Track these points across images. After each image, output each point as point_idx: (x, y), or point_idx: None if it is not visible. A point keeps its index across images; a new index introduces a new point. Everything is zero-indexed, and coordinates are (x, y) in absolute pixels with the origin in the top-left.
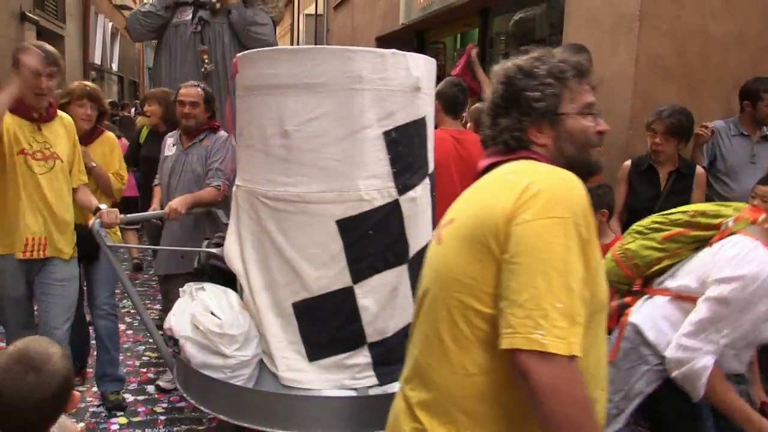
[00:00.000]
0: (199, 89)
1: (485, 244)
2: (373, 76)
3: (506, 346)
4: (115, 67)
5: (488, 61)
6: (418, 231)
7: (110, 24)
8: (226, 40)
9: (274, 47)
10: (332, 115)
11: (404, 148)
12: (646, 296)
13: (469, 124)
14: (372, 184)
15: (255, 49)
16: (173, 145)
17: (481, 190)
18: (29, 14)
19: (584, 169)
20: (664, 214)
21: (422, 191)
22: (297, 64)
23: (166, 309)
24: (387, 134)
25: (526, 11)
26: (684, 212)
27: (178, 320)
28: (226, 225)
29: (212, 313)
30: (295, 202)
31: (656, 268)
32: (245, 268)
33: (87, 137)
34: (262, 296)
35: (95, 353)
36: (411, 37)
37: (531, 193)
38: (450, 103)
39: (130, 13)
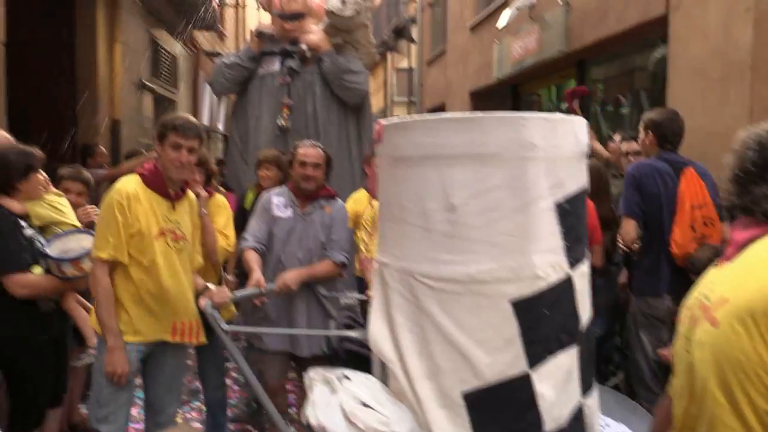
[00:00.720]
0: (320, 150)
1: None
2: (545, 143)
3: None
4: (221, 126)
5: (587, 112)
6: (585, 307)
7: None
8: (317, 91)
9: (436, 115)
10: (505, 186)
11: (574, 218)
12: None
13: None
14: (546, 260)
15: (406, 117)
16: (286, 206)
17: (755, 265)
18: (147, 83)
19: None
20: None
21: (588, 264)
22: (463, 133)
23: (267, 388)
24: (559, 205)
25: (625, 61)
26: None
27: (325, 414)
28: (325, 297)
29: (366, 405)
30: (464, 283)
31: None
32: (400, 354)
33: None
34: (424, 385)
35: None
36: (506, 91)
37: None
38: None
39: (214, 65)
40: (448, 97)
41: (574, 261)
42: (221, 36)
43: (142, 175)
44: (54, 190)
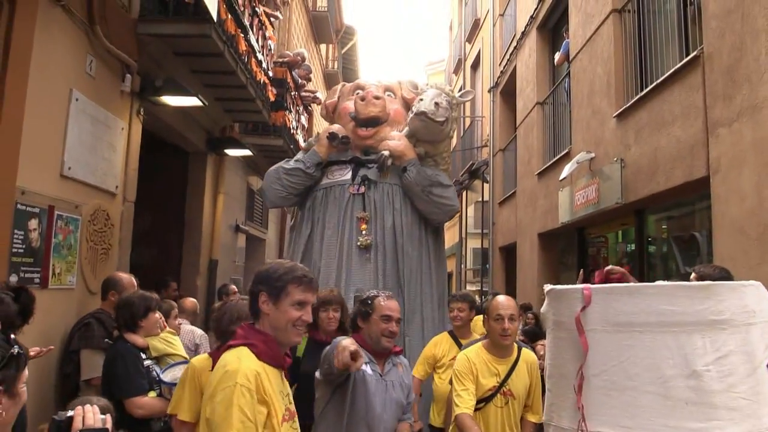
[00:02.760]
0: (397, 302)
1: None
2: (758, 308)
3: None
4: None
5: (646, 259)
6: None
7: None
8: (396, 205)
9: (669, 283)
10: (738, 351)
11: None
12: None
13: None
14: None
15: (626, 284)
16: (366, 362)
17: None
18: (242, 226)
19: None
20: None
21: None
22: (700, 301)
23: None
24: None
25: (680, 211)
26: None
27: None
28: None
29: None
30: None
31: None
32: None
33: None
34: None
35: None
36: (572, 234)
37: None
38: None
39: (269, 171)
40: (518, 237)
41: None
42: None
43: (251, 345)
44: (168, 328)
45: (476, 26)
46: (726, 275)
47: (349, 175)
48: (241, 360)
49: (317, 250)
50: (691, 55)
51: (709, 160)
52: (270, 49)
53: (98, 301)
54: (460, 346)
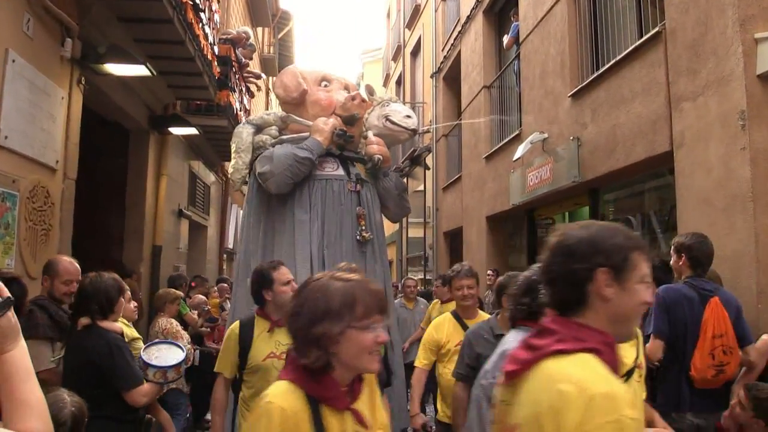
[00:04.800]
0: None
1: None
2: None
3: None
4: None
5: None
6: None
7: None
8: (377, 203)
9: None
10: None
11: None
12: None
13: None
14: None
15: None
16: None
17: None
18: (185, 210)
19: None
20: None
21: None
22: None
23: None
24: None
25: (636, 188)
26: None
27: None
28: None
29: None
30: None
31: None
32: None
33: None
34: None
35: None
36: (521, 215)
37: None
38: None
39: (277, 155)
40: (464, 221)
41: None
42: None
43: (597, 351)
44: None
45: (417, 12)
46: (701, 240)
47: (340, 170)
48: (607, 379)
49: (315, 233)
50: (653, 32)
51: (672, 135)
52: (216, 24)
53: (39, 287)
54: (465, 329)
